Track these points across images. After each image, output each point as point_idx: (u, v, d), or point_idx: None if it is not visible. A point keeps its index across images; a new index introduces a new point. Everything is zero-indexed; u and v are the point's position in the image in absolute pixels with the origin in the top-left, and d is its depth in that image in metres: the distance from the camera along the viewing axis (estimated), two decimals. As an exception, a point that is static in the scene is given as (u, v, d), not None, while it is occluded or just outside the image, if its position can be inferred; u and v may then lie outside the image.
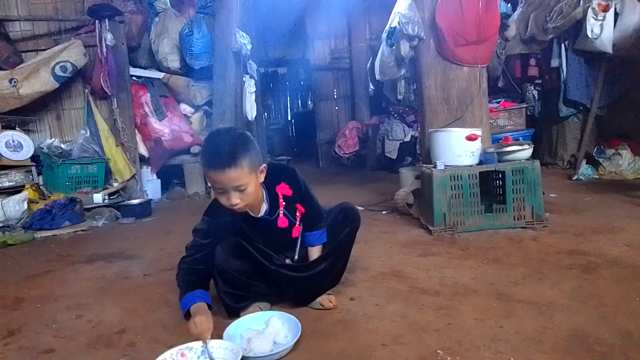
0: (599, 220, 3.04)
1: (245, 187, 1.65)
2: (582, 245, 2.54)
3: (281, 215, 1.88)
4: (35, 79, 4.78)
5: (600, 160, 4.87)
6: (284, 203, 1.88)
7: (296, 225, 1.94)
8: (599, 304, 1.77)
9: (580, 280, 2.03)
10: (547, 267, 2.23)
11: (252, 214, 1.84)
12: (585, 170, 4.74)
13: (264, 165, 1.76)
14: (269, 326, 1.66)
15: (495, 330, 1.62)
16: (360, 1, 7.72)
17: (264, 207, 1.86)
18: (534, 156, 3.15)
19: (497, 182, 3.17)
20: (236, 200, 1.66)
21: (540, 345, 1.50)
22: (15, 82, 4.65)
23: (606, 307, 1.73)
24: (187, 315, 1.68)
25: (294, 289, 1.95)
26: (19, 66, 4.83)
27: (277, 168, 1.91)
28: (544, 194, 3.06)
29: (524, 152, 3.07)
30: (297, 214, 1.92)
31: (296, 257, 1.98)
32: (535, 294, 1.92)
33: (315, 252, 1.99)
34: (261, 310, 1.86)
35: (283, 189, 1.87)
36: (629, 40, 4.42)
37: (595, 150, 5.04)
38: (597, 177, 4.73)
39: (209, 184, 1.82)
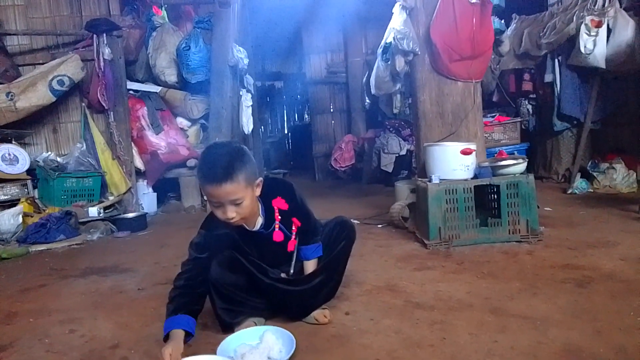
0: (594, 234, 3.05)
1: (241, 201, 1.66)
2: (577, 259, 2.55)
3: (277, 229, 1.89)
4: (33, 93, 4.79)
5: (595, 174, 4.89)
6: (279, 217, 1.89)
7: (292, 239, 1.94)
8: (594, 319, 1.77)
9: (574, 295, 2.03)
10: (542, 281, 2.24)
11: (248, 228, 1.85)
12: (579, 184, 4.76)
13: (260, 179, 1.77)
14: (263, 341, 1.65)
15: (489, 345, 1.62)
16: (356, 16, 7.79)
17: (260, 220, 1.87)
18: (528, 170, 3.17)
19: (492, 196, 3.18)
20: (232, 214, 1.67)
21: (534, 360, 1.50)
22: (12, 95, 4.66)
23: (601, 322, 1.74)
24: (166, 339, 1.65)
25: (289, 303, 1.94)
26: (16, 80, 4.84)
27: (274, 182, 1.92)
28: (538, 207, 3.07)
29: (519, 166, 3.08)
30: (293, 228, 1.93)
31: (292, 270, 1.98)
32: (529, 308, 1.92)
33: (310, 266, 1.99)
34: (255, 325, 1.85)
35: (279, 203, 1.88)
36: (621, 56, 4.47)
37: (589, 164, 5.06)
38: (592, 191, 4.76)
39: (205, 197, 1.82)
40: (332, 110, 8.86)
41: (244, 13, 6.32)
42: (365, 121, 8.27)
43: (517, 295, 2.08)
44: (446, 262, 2.69)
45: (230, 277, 1.82)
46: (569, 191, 4.73)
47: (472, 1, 3.34)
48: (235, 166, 1.63)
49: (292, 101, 12.22)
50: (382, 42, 3.93)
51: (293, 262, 1.99)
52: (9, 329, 2.15)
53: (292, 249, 1.96)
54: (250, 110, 5.88)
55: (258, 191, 1.77)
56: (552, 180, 5.47)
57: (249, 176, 1.67)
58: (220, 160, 1.63)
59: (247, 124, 5.82)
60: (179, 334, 1.64)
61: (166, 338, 1.65)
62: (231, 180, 1.61)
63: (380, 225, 3.88)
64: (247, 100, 5.80)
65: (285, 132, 13.00)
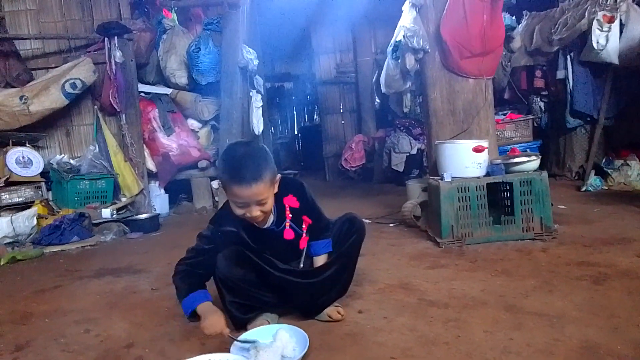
0: (609, 231, 3.01)
1: (266, 200, 1.70)
2: (592, 256, 2.51)
3: (287, 227, 1.89)
4: (45, 96, 4.84)
5: (609, 171, 4.84)
6: (290, 215, 1.89)
7: (303, 237, 1.94)
8: (611, 315, 1.74)
9: (591, 292, 2.00)
10: (557, 278, 2.21)
11: (259, 225, 1.85)
12: (593, 181, 4.71)
13: (279, 176, 1.79)
14: (276, 339, 1.65)
15: (505, 343, 1.60)
16: (365, 16, 7.78)
17: (271, 218, 1.88)
18: (541, 167, 3.13)
19: (505, 193, 3.15)
20: (256, 213, 1.70)
21: (551, 358, 1.48)
22: (25, 99, 4.71)
23: (618, 319, 1.71)
24: (192, 316, 1.72)
25: (300, 297, 1.94)
26: (30, 84, 4.90)
27: (285, 180, 1.92)
28: (552, 205, 3.04)
29: (532, 163, 3.05)
30: (304, 226, 1.93)
31: (301, 265, 1.98)
32: (545, 305, 1.90)
33: (320, 261, 1.99)
34: (269, 322, 1.85)
35: (290, 201, 1.89)
36: (634, 51, 4.41)
37: (603, 161, 5.00)
38: (606, 188, 4.70)
39: (224, 196, 1.82)
40: (342, 110, 8.85)
41: (253, 14, 6.34)
42: (375, 121, 8.25)
43: (532, 292, 2.06)
44: (459, 260, 2.67)
45: (238, 271, 1.83)
46: (583, 188, 4.68)
47: (483, -3, 3.32)
48: (262, 167, 1.65)
49: (302, 102, 12.24)
50: (392, 40, 3.92)
51: (302, 258, 1.99)
52: (25, 329, 2.17)
53: (303, 246, 1.96)
54: (260, 111, 5.88)
55: (276, 188, 1.79)
56: (566, 178, 5.41)
57: (272, 175, 1.71)
58: (247, 161, 1.65)
59: (258, 124, 5.83)
60: (209, 305, 1.73)
61: (192, 317, 1.72)
62: (260, 180, 1.64)
63: (392, 224, 3.87)
64: (257, 101, 5.81)
65: (295, 132, 13.01)
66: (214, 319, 1.66)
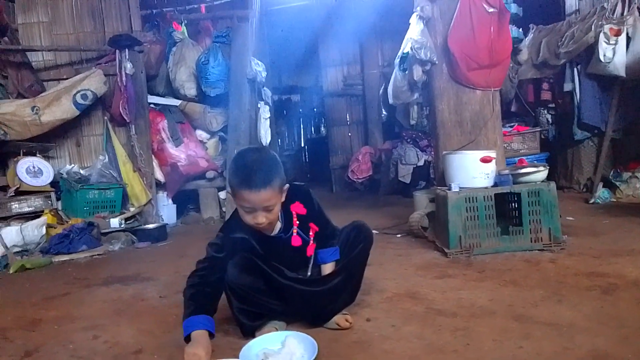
0: (618, 242, 2.99)
1: (274, 206, 1.71)
2: (601, 267, 2.50)
3: (294, 234, 1.90)
4: (57, 107, 4.90)
5: (617, 183, 4.81)
6: (297, 222, 1.90)
7: (310, 244, 1.95)
8: (620, 325, 1.73)
9: (600, 302, 1.99)
10: (566, 288, 2.20)
11: (267, 233, 1.86)
12: (602, 193, 4.69)
13: (287, 185, 1.81)
14: (285, 346, 1.65)
15: (514, 352, 1.60)
16: (372, 29, 7.85)
17: (278, 225, 1.89)
18: (549, 180, 3.13)
19: (513, 204, 3.15)
20: (262, 219, 1.71)
21: (561, 366, 1.47)
22: (37, 109, 4.76)
23: (627, 329, 1.70)
24: (188, 339, 1.66)
25: (308, 305, 1.94)
26: (41, 94, 4.96)
27: (292, 188, 1.93)
28: (560, 217, 3.03)
29: (540, 173, 3.05)
30: (311, 233, 1.94)
31: (309, 273, 1.99)
32: (554, 315, 1.89)
33: (327, 269, 2.00)
34: (277, 330, 1.85)
35: (297, 208, 1.90)
36: (642, 63, 4.42)
37: (611, 173, 4.98)
38: (614, 200, 4.67)
39: (228, 201, 1.84)
40: (348, 122, 8.88)
41: (261, 27, 6.42)
42: (382, 132, 8.27)
43: (541, 302, 2.05)
44: (467, 271, 2.66)
45: (247, 279, 1.82)
46: (591, 201, 4.66)
47: (490, 10, 3.35)
48: (272, 173, 1.68)
49: (309, 114, 12.30)
50: (400, 52, 3.95)
51: (310, 266, 2.00)
52: (35, 335, 2.19)
53: (311, 254, 1.97)
54: (268, 122, 5.93)
55: (283, 197, 1.80)
56: (574, 190, 5.40)
57: (281, 182, 1.72)
58: (258, 166, 1.67)
59: (265, 136, 5.87)
60: (203, 335, 1.66)
61: (187, 339, 1.67)
62: (270, 186, 1.66)
63: (399, 235, 3.86)
64: (264, 113, 5.86)
65: (302, 144, 13.07)
66: (198, 351, 1.59)
